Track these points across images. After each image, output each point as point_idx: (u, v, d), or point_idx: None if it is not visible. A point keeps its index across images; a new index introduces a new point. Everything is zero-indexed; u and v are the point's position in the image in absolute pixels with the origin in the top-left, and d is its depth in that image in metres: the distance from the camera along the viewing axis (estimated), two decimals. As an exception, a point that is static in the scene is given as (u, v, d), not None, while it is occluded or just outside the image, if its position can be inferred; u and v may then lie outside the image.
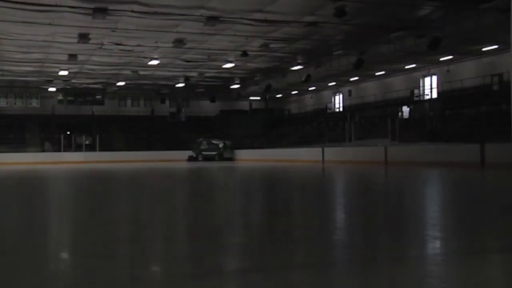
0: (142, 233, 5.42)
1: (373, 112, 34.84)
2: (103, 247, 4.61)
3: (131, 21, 22.37)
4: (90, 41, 25.55)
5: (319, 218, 6.47)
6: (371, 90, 40.18)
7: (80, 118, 45.41)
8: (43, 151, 40.05)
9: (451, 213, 7.00)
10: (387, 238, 4.95)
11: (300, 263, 4.05)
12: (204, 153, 39.48)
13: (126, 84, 42.02)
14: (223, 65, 34.15)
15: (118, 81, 40.72)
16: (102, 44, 26.83)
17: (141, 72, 36.50)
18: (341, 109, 44.06)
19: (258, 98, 49.61)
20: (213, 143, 39.90)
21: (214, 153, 39.24)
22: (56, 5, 19.53)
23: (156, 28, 23.61)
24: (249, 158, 38.86)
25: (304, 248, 4.52)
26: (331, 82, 41.39)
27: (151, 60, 31.62)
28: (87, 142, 41.16)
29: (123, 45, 27.08)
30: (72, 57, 29.85)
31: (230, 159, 39.40)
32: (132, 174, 20.03)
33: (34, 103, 45.42)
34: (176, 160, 38.92)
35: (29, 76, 37.26)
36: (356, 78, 39.20)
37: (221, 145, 39.67)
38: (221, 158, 39.03)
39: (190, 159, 39.41)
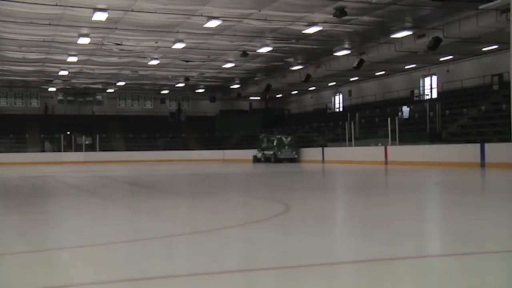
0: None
1: (373, 112, 34.80)
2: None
3: (131, 21, 22.39)
4: (90, 41, 25.55)
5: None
6: (371, 90, 40.17)
7: (80, 118, 45.42)
8: (43, 151, 40.04)
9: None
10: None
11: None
12: (265, 152, 33.44)
13: (126, 84, 42.01)
14: (223, 65, 34.14)
15: (118, 81, 40.71)
16: (102, 44, 26.82)
17: (141, 72, 36.49)
18: (341, 109, 44.03)
19: (258, 98, 49.58)
20: (278, 139, 33.01)
21: (276, 152, 32.37)
22: (56, 5, 19.52)
23: (156, 28, 23.62)
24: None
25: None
26: (331, 82, 41.36)
27: (151, 60, 31.62)
28: (87, 142, 41.17)
29: (123, 45, 27.08)
30: (72, 57, 29.86)
31: (294, 160, 32.58)
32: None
33: (34, 103, 45.40)
34: (177, 160, 38.90)
35: (29, 76, 37.24)
36: (356, 78, 39.19)
37: (286, 141, 32.87)
38: (290, 158, 32.42)
39: (255, 159, 34.22)
